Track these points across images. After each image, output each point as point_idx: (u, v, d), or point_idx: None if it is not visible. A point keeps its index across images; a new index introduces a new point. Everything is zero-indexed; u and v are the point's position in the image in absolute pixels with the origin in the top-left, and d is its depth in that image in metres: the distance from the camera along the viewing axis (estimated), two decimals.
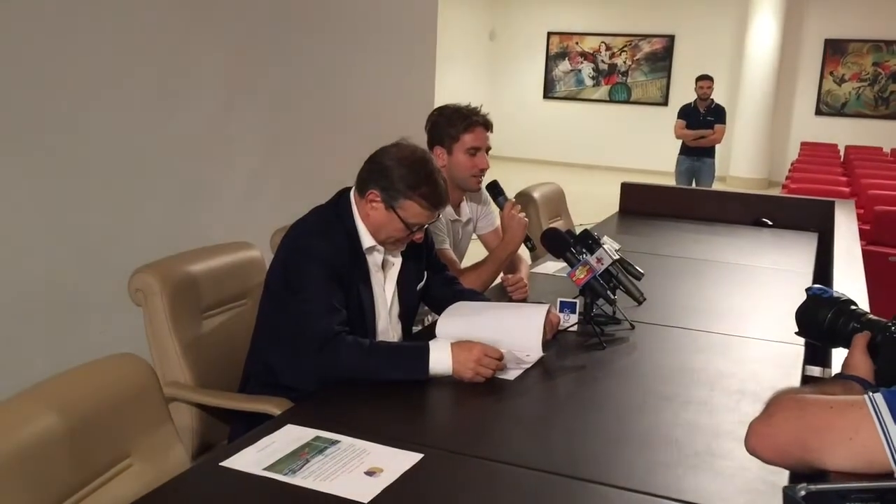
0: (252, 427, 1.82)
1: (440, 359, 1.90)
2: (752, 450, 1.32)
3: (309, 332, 1.95)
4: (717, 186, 9.08)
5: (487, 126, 2.65)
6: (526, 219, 2.67)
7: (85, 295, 3.00)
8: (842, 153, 11.18)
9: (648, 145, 13.29)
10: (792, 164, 10.08)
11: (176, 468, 1.56)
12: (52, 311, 2.91)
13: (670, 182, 8.26)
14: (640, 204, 4.44)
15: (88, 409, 1.45)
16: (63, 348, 2.87)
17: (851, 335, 1.56)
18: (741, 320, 2.59)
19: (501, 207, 2.68)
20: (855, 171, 8.67)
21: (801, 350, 2.24)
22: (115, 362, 1.58)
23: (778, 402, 1.33)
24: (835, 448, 1.22)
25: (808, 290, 1.71)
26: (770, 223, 4.15)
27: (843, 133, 12.61)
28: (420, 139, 2.17)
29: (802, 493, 1.07)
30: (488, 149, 2.67)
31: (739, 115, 12.40)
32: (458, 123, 2.60)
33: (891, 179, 7.93)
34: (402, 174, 2.04)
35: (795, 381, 2.06)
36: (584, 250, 2.38)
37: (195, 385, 2.16)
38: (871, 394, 1.23)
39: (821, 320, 1.63)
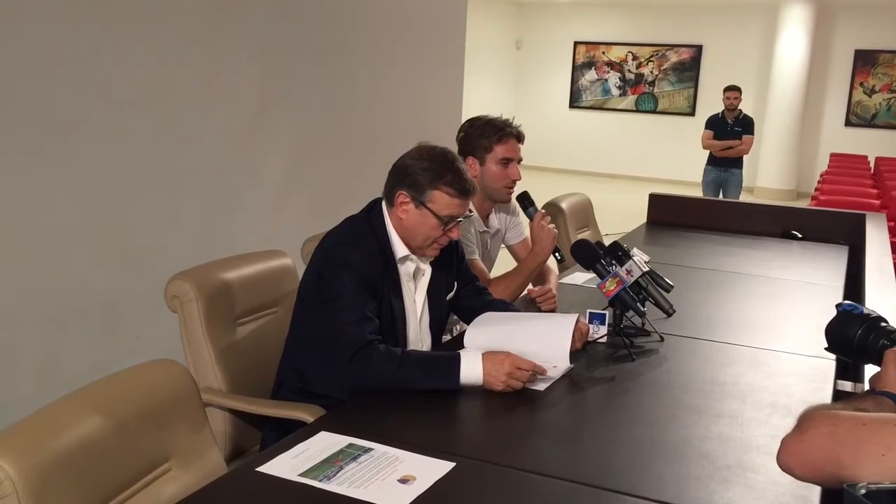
0: (284, 433, 1.85)
1: (471, 369, 1.92)
2: (784, 465, 1.33)
3: (342, 340, 1.97)
4: (744, 198, 9.03)
5: (520, 138, 2.67)
6: (555, 230, 2.68)
7: (120, 301, 3.06)
8: (871, 165, 11.06)
9: (675, 156, 13.24)
10: (821, 176, 9.99)
11: (213, 473, 1.59)
12: (88, 318, 2.97)
13: (697, 193, 8.23)
14: (667, 215, 4.44)
15: (131, 412, 1.48)
16: (98, 354, 2.93)
17: (882, 352, 1.56)
18: (771, 334, 2.59)
19: (531, 218, 2.69)
20: (885, 182, 8.57)
21: (833, 365, 2.24)
22: (155, 368, 1.62)
23: (810, 418, 1.33)
24: (867, 464, 1.22)
25: (838, 305, 1.72)
26: (799, 236, 4.13)
27: (873, 144, 12.47)
28: (437, 144, 2.20)
29: (863, 491, 1.08)
30: (520, 160, 2.70)
31: (767, 125, 12.32)
32: (490, 135, 2.62)
33: None
34: (425, 167, 2.08)
35: (827, 396, 2.05)
36: (613, 262, 2.39)
37: (228, 391, 2.20)
38: None
39: (851, 336, 1.64)
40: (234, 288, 2.29)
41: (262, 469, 1.54)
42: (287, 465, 1.56)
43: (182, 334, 2.19)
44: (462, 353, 1.97)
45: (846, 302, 1.72)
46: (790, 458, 1.32)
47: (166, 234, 3.23)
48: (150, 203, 3.16)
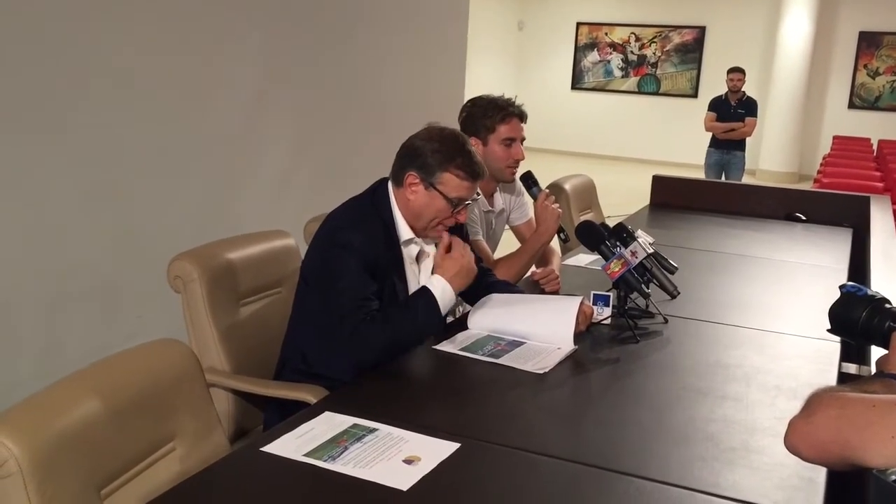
0: (287, 414, 1.84)
1: (440, 287, 2.02)
2: (792, 448, 1.32)
3: (341, 322, 1.97)
4: (746, 180, 8.99)
5: (523, 117, 2.65)
6: (560, 210, 2.67)
7: (121, 282, 3.05)
8: (875, 147, 11.02)
9: (677, 137, 13.19)
10: (824, 158, 9.96)
11: (217, 453, 1.59)
12: (89, 298, 2.96)
13: (700, 175, 8.21)
14: (671, 197, 4.42)
15: (135, 393, 1.48)
16: (100, 335, 2.92)
17: (887, 333, 1.55)
18: (776, 316, 2.58)
19: (535, 198, 2.68)
20: (888, 165, 8.55)
21: (838, 347, 2.23)
22: (159, 347, 1.61)
23: (818, 400, 1.32)
24: (877, 446, 1.22)
25: (841, 287, 1.70)
26: (803, 218, 4.11)
27: (876, 127, 12.42)
28: (445, 125, 2.19)
29: (893, 477, 1.08)
30: (523, 139, 2.68)
31: (770, 107, 12.26)
32: (494, 114, 2.61)
33: None
34: (435, 148, 2.07)
35: (832, 378, 2.05)
36: (618, 243, 2.38)
37: (232, 371, 2.19)
38: None
39: (855, 318, 1.63)
40: (237, 268, 2.28)
41: (267, 449, 1.53)
42: (291, 445, 1.55)
43: (185, 315, 2.18)
44: (427, 285, 2.05)
45: (850, 283, 1.71)
46: (798, 439, 1.32)
47: (168, 214, 3.21)
48: (151, 184, 3.15)
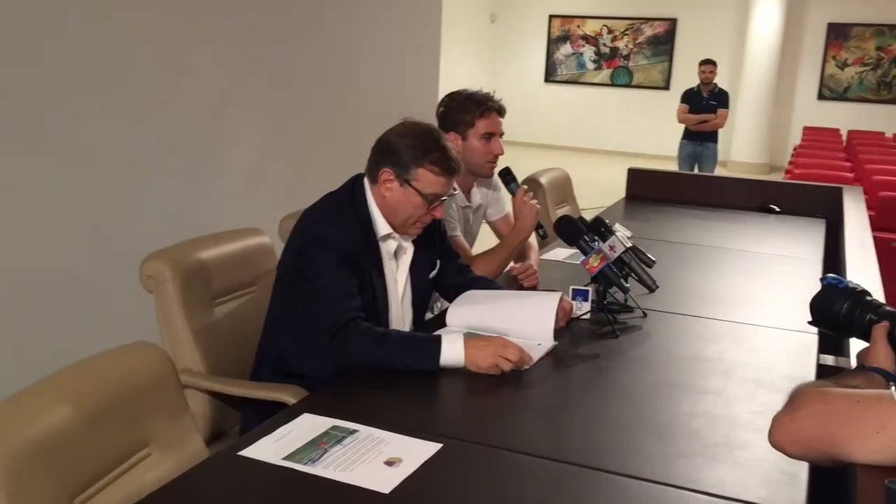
0: (265, 414, 1.81)
1: (452, 350, 1.89)
2: (777, 444, 1.32)
3: (323, 319, 1.94)
4: (718, 171, 9.07)
5: (501, 112, 2.63)
6: (538, 206, 2.66)
7: (90, 282, 2.98)
8: (844, 138, 11.15)
9: (650, 129, 13.25)
10: (794, 149, 10.06)
11: (194, 457, 1.55)
12: (58, 299, 2.89)
13: (672, 166, 8.25)
14: (646, 189, 4.43)
15: (107, 398, 1.44)
16: (69, 336, 2.86)
17: (868, 326, 1.56)
18: (753, 308, 2.59)
19: (513, 194, 2.66)
20: (858, 156, 8.65)
21: (815, 339, 2.24)
22: (132, 351, 1.57)
23: (803, 396, 1.32)
24: (862, 442, 1.22)
25: (822, 279, 1.71)
26: (777, 209, 4.14)
27: (845, 118, 12.58)
28: (420, 120, 2.16)
29: None
30: (502, 134, 2.66)
31: (741, 99, 12.36)
32: (472, 109, 2.58)
33: (894, 165, 7.91)
34: (410, 144, 2.04)
35: (810, 371, 2.05)
36: (596, 238, 2.37)
37: (207, 372, 2.16)
38: None
39: (836, 311, 1.63)
40: (210, 267, 2.24)
41: (245, 453, 1.50)
42: (270, 448, 1.52)
43: (158, 315, 2.14)
44: (444, 334, 1.93)
45: (830, 276, 1.71)
46: (782, 435, 1.31)
47: (138, 212, 3.15)
48: (120, 181, 3.08)
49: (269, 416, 1.70)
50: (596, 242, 2.34)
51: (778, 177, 10.31)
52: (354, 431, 1.59)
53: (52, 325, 2.86)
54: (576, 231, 2.37)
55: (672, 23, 13.87)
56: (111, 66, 3.01)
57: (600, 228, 2.40)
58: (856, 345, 1.79)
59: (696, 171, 8.06)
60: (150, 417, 1.52)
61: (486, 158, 2.62)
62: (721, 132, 8.25)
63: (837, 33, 13.00)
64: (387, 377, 1.87)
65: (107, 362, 1.52)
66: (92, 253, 2.98)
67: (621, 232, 2.44)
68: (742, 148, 12.74)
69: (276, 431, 1.58)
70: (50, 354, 2.70)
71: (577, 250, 2.44)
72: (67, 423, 1.34)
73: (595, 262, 2.28)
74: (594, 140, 14.03)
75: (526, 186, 2.69)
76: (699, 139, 8.05)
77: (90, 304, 2.98)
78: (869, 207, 5.58)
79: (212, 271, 2.24)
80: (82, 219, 2.96)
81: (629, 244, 2.39)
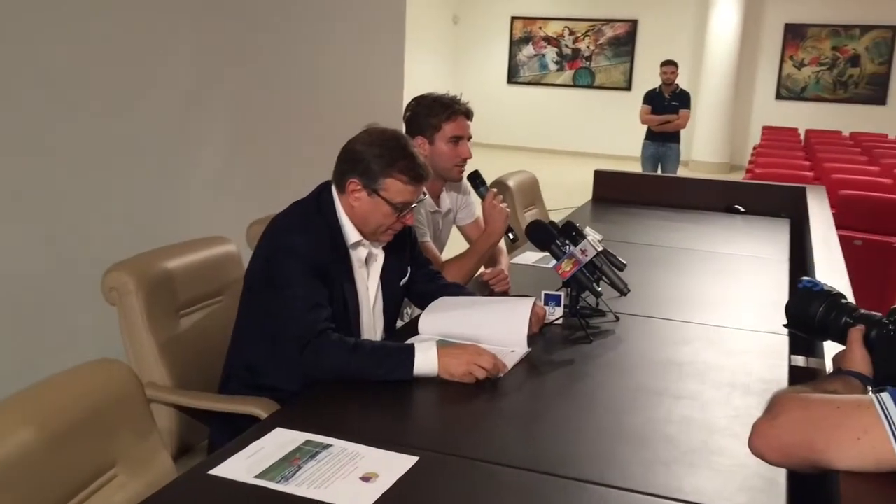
0: (234, 428, 1.77)
1: (426, 360, 1.85)
2: (756, 451, 1.31)
3: (292, 330, 1.90)
4: (680, 171, 9.15)
5: (468, 115, 2.61)
6: (508, 210, 2.64)
7: (51, 295, 2.90)
8: (802, 137, 11.32)
9: (613, 130, 13.35)
10: (754, 149, 10.19)
11: (162, 477, 1.50)
12: (10, 313, 2.79)
13: (636, 166, 8.31)
14: (613, 191, 4.44)
15: (70, 418, 1.38)
16: (24, 353, 2.78)
17: (844, 329, 1.56)
18: (724, 310, 2.59)
19: (483, 198, 2.64)
20: (817, 155, 8.78)
21: (787, 340, 2.25)
22: (95, 368, 1.52)
23: (782, 403, 1.31)
24: (842, 448, 1.21)
25: (798, 282, 1.71)
26: (742, 210, 4.17)
27: (803, 117, 12.78)
28: (390, 126, 2.12)
29: None
30: (469, 137, 2.64)
31: (702, 99, 12.50)
32: (439, 113, 2.55)
33: (853, 163, 8.05)
34: (377, 153, 2.00)
35: (783, 372, 2.05)
36: (567, 242, 2.35)
37: (173, 385, 2.10)
38: (879, 394, 1.22)
39: (812, 314, 1.63)
40: (176, 277, 2.18)
41: (215, 472, 1.46)
42: (242, 466, 1.48)
43: (122, 328, 2.08)
44: (417, 344, 1.90)
45: (806, 279, 1.71)
46: (762, 443, 1.30)
47: (99, 221, 3.07)
48: (79, 190, 3.00)
49: (239, 430, 1.66)
50: (567, 247, 2.33)
51: (738, 176, 10.43)
52: (328, 446, 1.55)
53: (3, 341, 2.76)
54: (548, 236, 2.36)
55: (633, 24, 13.99)
56: (73, 69, 2.93)
57: (571, 232, 2.38)
58: (829, 346, 1.79)
59: (659, 171, 8.13)
60: (116, 437, 1.46)
61: (455, 162, 2.60)
62: (683, 132, 8.33)
63: (794, 34, 13.21)
64: (359, 388, 1.83)
65: (69, 381, 1.46)
66: (48, 263, 2.89)
67: (592, 235, 2.43)
68: (703, 147, 12.88)
69: (248, 448, 1.54)
70: (7, 370, 2.63)
71: (548, 254, 2.43)
72: (29, 445, 1.28)
73: (567, 267, 2.27)
74: (557, 141, 14.09)
75: (495, 190, 2.67)
76: (662, 140, 8.12)
77: (46, 319, 2.89)
78: (830, 206, 5.67)
79: (177, 281, 2.18)
80: (38, 227, 2.87)
81: (600, 248, 2.38)
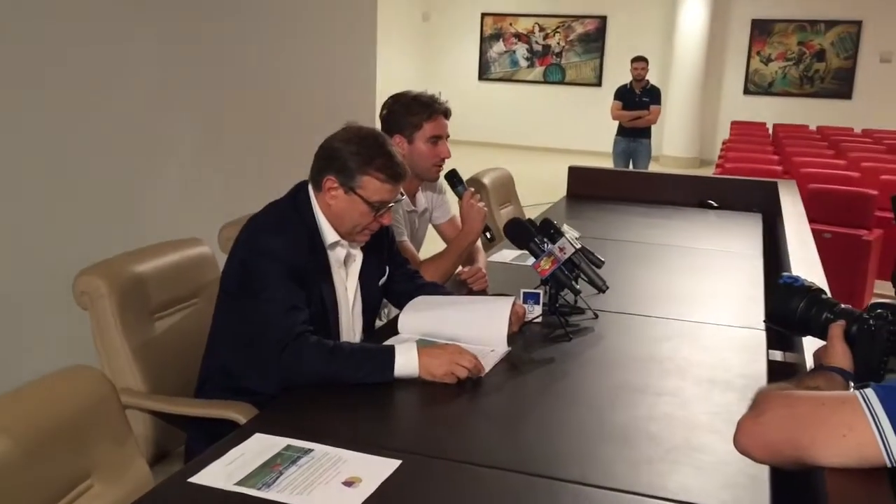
0: (211, 433, 1.74)
1: (406, 361, 1.83)
2: (742, 449, 1.31)
3: (270, 333, 1.87)
4: (651, 166, 9.19)
5: (447, 114, 2.60)
6: (485, 209, 2.62)
7: (19, 300, 2.83)
8: (770, 131, 11.44)
9: (584, 126, 13.39)
10: (723, 143, 10.27)
11: (139, 486, 1.47)
12: None
13: (607, 162, 8.34)
14: (587, 187, 4.44)
15: (43, 428, 1.35)
16: None
17: (824, 325, 1.56)
18: (701, 306, 2.60)
19: (460, 197, 2.62)
20: (785, 149, 8.87)
21: (764, 335, 2.26)
22: (68, 375, 1.48)
23: (767, 400, 1.31)
24: (828, 445, 1.21)
25: (779, 278, 1.71)
26: (715, 205, 4.19)
27: (771, 112, 12.91)
28: (364, 123, 2.10)
29: None
30: (448, 136, 2.62)
31: (671, 94, 12.58)
32: (419, 112, 2.53)
33: (820, 157, 8.15)
34: (353, 151, 1.98)
35: (762, 367, 2.06)
36: (545, 240, 2.35)
37: (148, 391, 2.06)
38: (862, 390, 1.22)
39: (793, 309, 1.63)
40: (149, 280, 2.14)
41: (195, 479, 1.43)
42: (221, 473, 1.45)
43: (94, 333, 2.04)
44: (397, 345, 1.88)
45: (786, 274, 1.71)
46: (748, 440, 1.30)
47: (67, 224, 3.01)
48: (46, 190, 2.94)
49: (217, 435, 1.63)
50: (546, 244, 2.32)
51: (708, 170, 10.53)
52: (310, 451, 1.53)
53: None
54: (526, 234, 2.35)
55: (602, 20, 14.05)
56: (38, 68, 2.86)
57: (549, 230, 2.38)
58: (806, 341, 1.80)
59: (630, 166, 8.17)
60: (91, 446, 1.43)
61: (433, 162, 2.58)
62: (653, 127, 8.37)
63: (761, 29, 13.34)
64: (340, 391, 1.81)
65: (41, 389, 1.43)
66: (15, 268, 2.83)
67: (570, 233, 2.43)
68: (673, 142, 12.97)
69: (227, 454, 1.51)
70: None
71: (525, 252, 2.42)
72: (2, 456, 1.25)
73: (546, 265, 2.26)
74: (529, 137, 14.11)
75: (473, 189, 2.66)
76: (633, 135, 8.16)
77: (15, 325, 2.83)
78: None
79: (150, 284, 2.14)
80: (4, 231, 2.80)
81: (578, 245, 2.37)
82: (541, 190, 6.78)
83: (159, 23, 3.41)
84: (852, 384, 1.42)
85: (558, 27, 14.32)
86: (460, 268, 2.66)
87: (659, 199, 4.27)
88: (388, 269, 2.23)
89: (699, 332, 2.33)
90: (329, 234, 2.03)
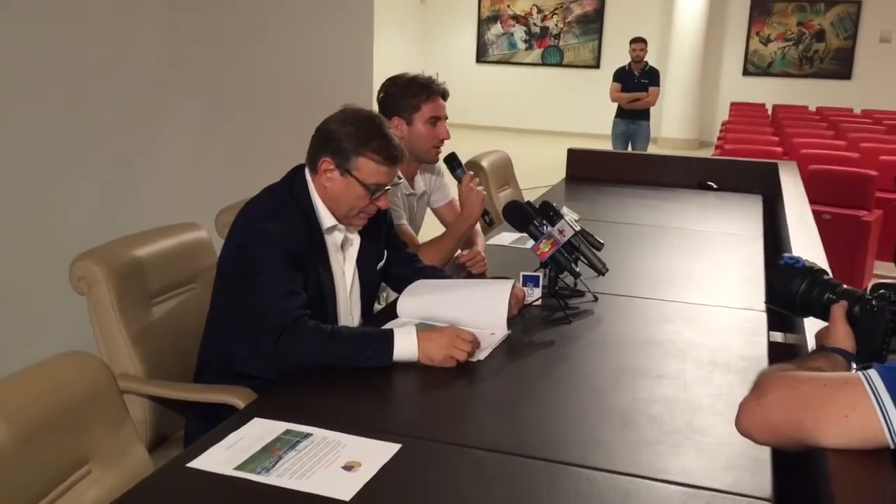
0: (210, 418, 1.73)
1: (405, 345, 1.83)
2: (744, 430, 1.30)
3: (268, 318, 1.85)
4: (650, 148, 9.17)
5: (445, 95, 2.58)
6: (484, 192, 2.60)
7: (16, 286, 2.82)
8: (769, 113, 11.40)
9: (582, 108, 13.34)
10: (723, 125, 10.24)
11: (139, 471, 1.47)
12: None
13: (606, 144, 8.31)
14: (586, 170, 4.42)
15: (41, 414, 1.34)
16: None
17: (826, 306, 1.55)
18: (701, 288, 2.59)
19: (459, 180, 2.60)
20: (785, 130, 8.84)
21: (764, 316, 2.25)
22: (65, 362, 1.47)
23: (769, 381, 1.30)
24: (830, 426, 1.20)
25: (780, 259, 1.70)
26: (715, 186, 4.18)
27: (770, 93, 12.87)
28: (362, 106, 2.08)
29: None
30: (446, 118, 2.60)
31: (670, 76, 12.51)
32: (418, 93, 2.51)
33: (820, 138, 8.12)
34: (350, 132, 1.96)
35: (762, 349, 2.05)
36: (545, 222, 2.33)
37: (146, 376, 2.05)
38: (866, 371, 1.21)
39: (794, 290, 1.62)
40: (146, 265, 2.13)
41: (194, 464, 1.42)
42: (221, 457, 1.44)
43: (91, 318, 2.02)
44: (396, 329, 1.87)
45: (787, 255, 1.70)
46: (750, 422, 1.29)
47: (64, 210, 2.99)
48: (43, 175, 2.92)
49: (216, 419, 1.62)
50: (545, 227, 2.30)
51: (707, 152, 10.49)
52: (309, 435, 1.52)
53: None
54: (526, 216, 2.33)
55: (600, 1, 13.96)
56: (36, 52, 2.84)
57: (549, 212, 2.36)
58: (807, 322, 1.79)
59: (629, 148, 8.14)
60: (89, 432, 1.42)
61: (433, 143, 2.56)
62: (652, 109, 8.33)
63: (760, 9, 13.27)
64: (339, 375, 1.80)
65: (39, 375, 1.42)
66: (13, 254, 2.82)
67: (569, 215, 2.41)
68: (672, 124, 12.92)
69: (226, 439, 1.50)
70: None
71: (524, 234, 2.40)
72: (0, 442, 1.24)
73: (546, 248, 2.24)
74: (527, 120, 14.06)
75: (472, 172, 2.64)
76: (632, 117, 8.12)
77: (12, 311, 2.82)
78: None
79: (148, 269, 2.13)
80: (6, 216, 2.79)
81: (578, 227, 2.36)
82: (540, 172, 6.75)
83: (159, 9, 3.38)
84: (854, 365, 1.41)
85: (556, 9, 14.23)
86: (459, 251, 2.64)
87: (658, 181, 4.25)
88: (386, 252, 2.22)
89: (700, 314, 2.32)
90: (326, 218, 2.01)
